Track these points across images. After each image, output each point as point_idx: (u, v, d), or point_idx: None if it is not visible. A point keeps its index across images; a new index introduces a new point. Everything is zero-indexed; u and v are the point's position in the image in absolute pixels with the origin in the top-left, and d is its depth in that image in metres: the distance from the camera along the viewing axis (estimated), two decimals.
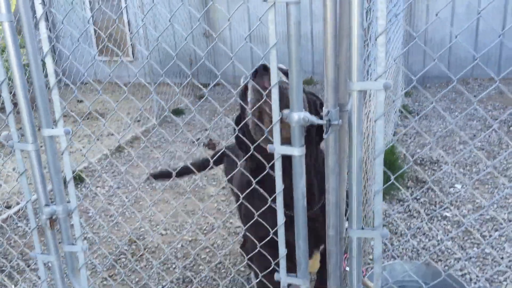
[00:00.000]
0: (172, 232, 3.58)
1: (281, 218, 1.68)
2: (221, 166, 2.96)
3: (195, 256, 3.25)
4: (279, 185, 1.64)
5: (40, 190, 1.94)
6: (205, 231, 3.58)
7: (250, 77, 1.89)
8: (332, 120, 1.49)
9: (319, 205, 2.12)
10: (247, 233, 2.17)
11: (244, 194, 1.94)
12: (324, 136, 1.52)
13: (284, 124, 1.57)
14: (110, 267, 3.23)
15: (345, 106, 1.57)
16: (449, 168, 4.39)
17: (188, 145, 5.74)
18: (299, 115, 1.53)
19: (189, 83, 7.92)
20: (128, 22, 9.15)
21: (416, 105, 6.85)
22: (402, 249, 3.14)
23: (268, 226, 1.84)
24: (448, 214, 3.54)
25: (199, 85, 1.82)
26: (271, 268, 1.85)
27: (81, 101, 7.76)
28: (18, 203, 4.19)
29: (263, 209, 1.85)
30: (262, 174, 1.83)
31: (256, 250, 1.98)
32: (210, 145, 5.58)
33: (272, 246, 1.88)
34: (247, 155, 2.06)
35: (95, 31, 9.02)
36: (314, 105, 2.06)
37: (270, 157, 1.66)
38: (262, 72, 1.85)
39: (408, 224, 3.45)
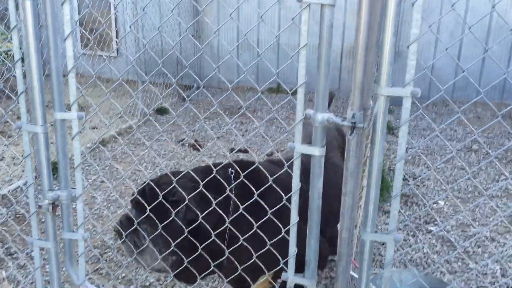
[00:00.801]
0: None
1: (294, 217, 1.69)
2: None
3: None
4: (296, 184, 1.65)
5: (45, 174, 1.90)
6: None
7: None
8: (357, 123, 1.51)
9: None
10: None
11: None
12: (350, 137, 1.54)
13: None
14: (95, 261, 3.16)
15: (367, 110, 1.60)
16: (431, 185, 4.48)
17: (172, 144, 5.70)
18: (323, 116, 1.55)
19: (175, 83, 7.86)
20: (116, 18, 9.05)
21: (397, 122, 6.98)
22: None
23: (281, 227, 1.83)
24: (432, 229, 3.62)
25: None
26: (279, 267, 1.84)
27: None
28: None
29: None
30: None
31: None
32: (195, 145, 5.55)
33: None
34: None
35: (81, 24, 8.88)
36: None
37: None
38: None
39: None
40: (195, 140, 5.68)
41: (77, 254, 1.95)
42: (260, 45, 8.42)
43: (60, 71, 1.79)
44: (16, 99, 1.88)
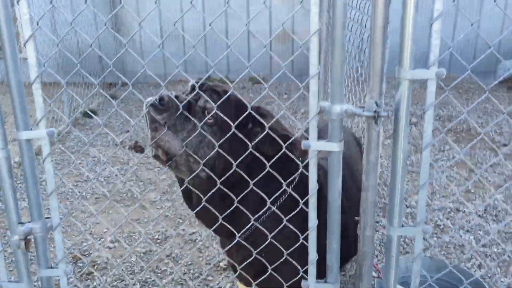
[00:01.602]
0: (121, 245, 3.25)
1: (313, 221, 1.55)
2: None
3: (154, 269, 2.97)
4: (314, 184, 1.51)
5: (12, 206, 1.61)
6: (158, 241, 3.30)
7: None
8: (380, 112, 1.40)
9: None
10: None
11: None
12: (376, 127, 1.41)
13: None
14: None
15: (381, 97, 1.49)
16: (385, 162, 4.53)
17: (111, 148, 5.32)
18: (341, 108, 1.42)
19: (99, 83, 7.37)
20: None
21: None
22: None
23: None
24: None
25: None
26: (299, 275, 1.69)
27: None
28: None
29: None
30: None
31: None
32: (137, 147, 5.22)
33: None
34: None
35: None
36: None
37: None
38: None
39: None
40: (135, 142, 5.35)
41: None
42: (186, 34, 8.12)
43: (21, 84, 1.51)
44: None
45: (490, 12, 7.88)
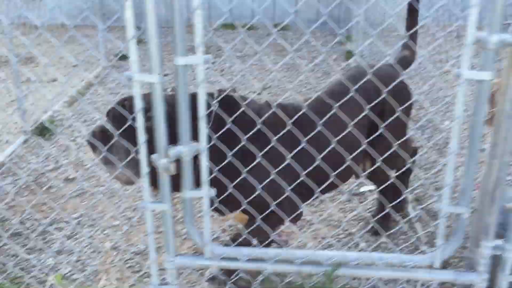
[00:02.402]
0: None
1: (455, 147, 1.64)
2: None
3: None
4: (460, 111, 1.59)
5: (162, 131, 1.69)
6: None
7: None
8: None
9: None
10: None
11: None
12: None
13: None
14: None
15: None
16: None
17: None
18: (499, 37, 1.47)
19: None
20: None
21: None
22: None
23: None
24: None
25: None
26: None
27: None
28: None
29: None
30: None
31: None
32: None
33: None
34: None
35: None
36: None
37: None
38: None
39: None
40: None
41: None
42: None
43: (183, 9, 1.55)
44: (127, 44, 1.61)
45: None
